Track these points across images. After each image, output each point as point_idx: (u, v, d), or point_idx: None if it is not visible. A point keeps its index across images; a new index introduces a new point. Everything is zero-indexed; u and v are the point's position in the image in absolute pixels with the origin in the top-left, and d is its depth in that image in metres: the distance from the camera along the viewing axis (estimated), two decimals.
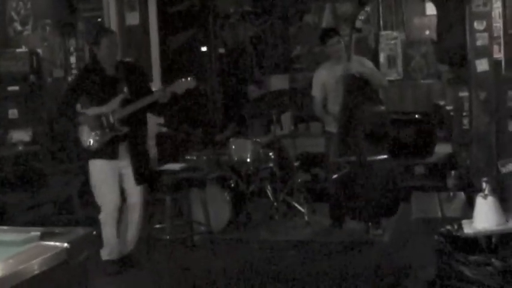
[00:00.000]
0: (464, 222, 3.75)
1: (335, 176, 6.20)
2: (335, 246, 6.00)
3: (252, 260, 5.77)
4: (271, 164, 6.96)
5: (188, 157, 6.88)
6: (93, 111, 5.31)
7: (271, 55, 10.46)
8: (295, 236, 6.42)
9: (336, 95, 6.29)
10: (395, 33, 10.02)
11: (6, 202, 7.11)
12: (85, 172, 5.67)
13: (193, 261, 5.76)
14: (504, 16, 5.81)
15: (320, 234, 6.46)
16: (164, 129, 8.20)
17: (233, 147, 6.90)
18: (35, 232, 2.55)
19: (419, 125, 8.31)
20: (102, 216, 5.34)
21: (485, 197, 3.69)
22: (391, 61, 10.00)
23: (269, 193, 7.01)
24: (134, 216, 5.49)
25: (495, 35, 5.90)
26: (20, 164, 7.75)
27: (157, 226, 5.78)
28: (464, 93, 6.88)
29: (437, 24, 7.09)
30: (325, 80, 6.42)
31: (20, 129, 8.29)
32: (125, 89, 5.33)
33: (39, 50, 8.76)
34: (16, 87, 8.47)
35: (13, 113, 8.50)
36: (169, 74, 9.66)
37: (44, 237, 2.52)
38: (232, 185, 6.89)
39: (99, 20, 9.64)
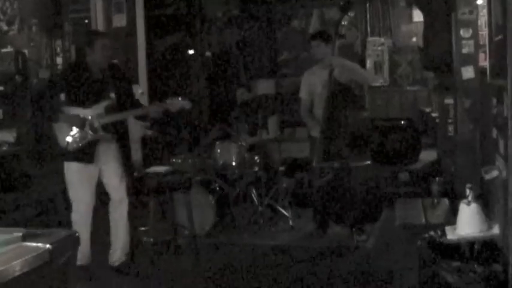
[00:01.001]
0: (448, 228, 3.77)
1: (319, 181, 6.22)
2: (319, 251, 6.01)
3: (235, 263, 5.76)
4: (256, 168, 6.96)
5: (173, 160, 6.87)
6: (75, 111, 5.17)
7: (257, 60, 10.47)
8: (280, 240, 6.43)
9: (321, 100, 6.32)
10: (382, 40, 10.07)
11: None
12: None
13: (177, 265, 5.74)
14: (490, 24, 5.84)
15: (304, 239, 6.46)
16: (150, 132, 8.19)
17: (218, 150, 6.90)
18: (17, 233, 2.54)
19: (405, 132, 8.34)
20: (73, 216, 5.27)
21: (468, 203, 3.71)
22: (377, 67, 10.04)
23: (254, 197, 7.01)
24: (121, 211, 5.41)
25: (481, 42, 5.93)
26: (3, 165, 7.70)
27: (142, 229, 5.76)
28: (449, 100, 6.91)
29: (424, 31, 7.12)
30: (312, 84, 6.46)
31: (4, 130, 8.24)
32: (112, 95, 5.25)
33: (25, 50, 8.71)
34: (1, 88, 8.42)
35: None
36: (155, 77, 9.66)
37: (26, 238, 2.50)
38: (217, 188, 6.89)
39: (86, 21, 9.62)
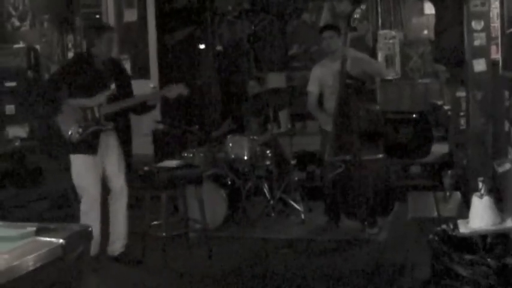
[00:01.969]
0: (460, 221, 3.76)
1: (331, 174, 6.21)
2: (330, 245, 6.01)
3: (247, 257, 5.77)
4: (268, 162, 6.96)
5: (185, 154, 6.88)
6: (78, 102, 5.27)
7: (268, 53, 10.46)
8: (291, 234, 6.43)
9: (331, 92, 6.32)
10: (393, 33, 10.03)
11: (2, 197, 7.10)
12: None
13: (189, 258, 5.76)
14: (502, 16, 5.80)
15: (316, 232, 6.46)
16: (161, 126, 8.20)
17: (230, 144, 6.91)
18: (31, 228, 2.55)
19: (416, 125, 8.31)
20: (82, 206, 5.37)
21: (481, 196, 3.69)
22: (389, 60, 10.00)
23: (265, 191, 7.01)
24: (121, 202, 5.55)
25: (493, 35, 5.89)
26: (16, 159, 7.74)
27: (153, 223, 5.77)
28: (461, 93, 6.88)
29: (436, 24, 7.09)
30: (322, 77, 6.45)
31: (17, 125, 8.29)
32: (113, 86, 5.37)
33: (37, 46, 8.75)
34: (13, 83, 8.46)
35: (10, 108, 8.50)
36: (166, 71, 9.67)
37: (39, 232, 2.51)
38: (229, 182, 6.89)
39: (97, 16, 9.64)
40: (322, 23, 9.85)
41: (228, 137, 7.03)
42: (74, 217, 5.89)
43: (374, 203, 6.16)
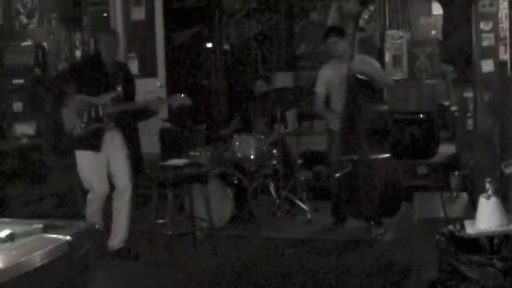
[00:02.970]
0: (467, 222, 3.74)
1: (337, 174, 6.21)
2: (336, 245, 6.01)
3: (253, 256, 5.77)
4: (274, 161, 6.96)
5: (191, 153, 6.88)
6: (84, 99, 5.46)
7: (276, 53, 10.44)
8: (297, 233, 6.43)
9: (339, 94, 6.31)
10: (401, 33, 10.00)
11: (9, 195, 7.12)
12: None
13: (195, 257, 5.76)
14: (510, 17, 5.79)
15: (322, 232, 6.46)
16: (168, 125, 8.20)
17: (237, 143, 6.91)
18: (38, 225, 2.56)
19: (423, 125, 8.29)
20: (90, 196, 5.60)
21: (488, 197, 3.68)
22: (396, 60, 9.97)
23: (272, 190, 7.01)
24: (124, 201, 5.68)
25: (501, 35, 5.88)
26: (23, 157, 7.75)
27: (160, 221, 5.78)
28: (468, 94, 6.86)
29: (443, 24, 7.07)
30: (330, 78, 6.44)
31: (24, 123, 8.30)
32: (119, 88, 5.56)
33: (45, 44, 8.76)
34: (21, 81, 8.47)
35: (17, 106, 8.51)
36: (174, 70, 9.68)
37: (46, 229, 2.53)
38: (235, 181, 6.89)
39: (105, 14, 9.65)
40: (329, 23, 9.83)
41: (235, 136, 7.03)
42: (81, 215, 5.91)
43: (380, 203, 6.15)
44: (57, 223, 2.61)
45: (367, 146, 6.14)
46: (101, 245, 5.35)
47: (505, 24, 5.88)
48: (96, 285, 2.77)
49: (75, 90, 5.45)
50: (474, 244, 3.58)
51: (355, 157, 6.14)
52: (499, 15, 5.89)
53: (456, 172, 5.14)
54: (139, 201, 7.44)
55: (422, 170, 7.84)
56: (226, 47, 10.40)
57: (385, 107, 6.30)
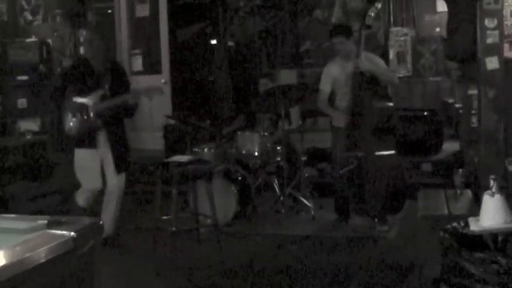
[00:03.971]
0: (471, 219, 3.74)
1: (342, 171, 6.21)
2: (340, 242, 6.01)
3: (257, 253, 5.78)
4: (278, 158, 6.96)
5: (195, 149, 6.89)
6: (77, 100, 5.75)
7: (280, 49, 10.44)
8: (301, 230, 6.43)
9: (345, 91, 6.30)
10: (405, 30, 9.99)
11: (14, 191, 7.14)
12: None
13: (199, 254, 5.77)
14: None
15: (326, 229, 6.46)
16: (172, 121, 8.21)
17: (241, 140, 6.91)
18: (42, 220, 2.56)
19: (427, 122, 8.28)
20: (80, 191, 5.93)
21: (492, 194, 3.68)
22: (400, 58, 9.96)
23: (276, 187, 7.01)
24: (111, 198, 5.94)
25: (506, 33, 5.87)
26: (28, 153, 7.77)
27: (164, 218, 5.79)
28: (473, 91, 6.85)
29: (448, 22, 7.05)
30: (336, 76, 6.43)
31: (29, 119, 8.32)
32: (106, 86, 5.77)
33: (49, 40, 8.77)
34: (25, 77, 8.50)
35: (22, 102, 8.54)
36: (178, 66, 9.68)
37: (50, 225, 2.53)
38: (239, 178, 6.90)
39: (110, 11, 9.66)
40: (333, 20, 9.83)
41: (239, 133, 7.03)
42: (85, 211, 5.92)
43: (384, 200, 6.15)
44: (62, 219, 2.61)
45: (372, 143, 6.14)
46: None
47: (509, 22, 5.88)
48: (101, 281, 2.78)
49: (70, 93, 5.78)
50: (478, 241, 3.58)
51: (359, 154, 6.14)
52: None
53: (460, 169, 5.13)
54: (142, 198, 7.47)
55: (426, 167, 7.84)
56: (230, 43, 10.40)
57: (390, 104, 6.29)
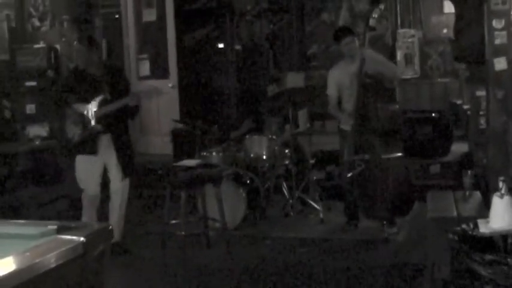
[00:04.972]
0: (480, 221, 3.73)
1: (350, 174, 6.20)
2: (349, 244, 6.00)
3: (266, 256, 5.77)
4: (286, 161, 6.96)
5: (204, 153, 6.90)
6: (77, 107, 5.77)
7: (287, 53, 10.44)
8: (310, 233, 6.43)
9: (350, 94, 6.30)
10: (412, 31, 9.96)
11: (23, 196, 7.15)
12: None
13: (208, 257, 5.77)
14: None
15: (335, 232, 6.46)
16: (180, 126, 8.22)
17: (249, 144, 6.92)
18: (52, 226, 2.57)
19: (436, 124, 8.26)
20: (83, 196, 5.92)
21: (501, 196, 3.67)
22: (408, 59, 9.94)
23: (284, 190, 7.01)
24: (116, 202, 5.92)
25: None
26: (36, 158, 7.79)
27: (173, 222, 5.80)
28: (481, 92, 6.83)
29: (455, 23, 7.04)
30: (340, 79, 6.42)
31: (37, 125, 8.34)
32: (106, 91, 5.77)
33: (57, 46, 8.79)
34: (34, 83, 8.52)
35: (30, 108, 8.55)
36: (185, 71, 9.69)
37: (60, 231, 2.54)
38: (248, 181, 6.90)
39: (117, 16, 9.68)
40: (340, 23, 9.83)
41: (247, 136, 7.04)
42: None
43: (393, 203, 6.14)
44: (71, 224, 2.62)
45: (380, 145, 6.13)
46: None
47: None
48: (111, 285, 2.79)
49: (70, 101, 5.81)
50: (488, 243, 3.57)
51: (367, 156, 6.13)
52: None
53: (469, 171, 5.12)
54: (151, 202, 7.48)
55: (435, 168, 7.81)
56: (237, 47, 10.41)
57: (397, 106, 6.29)
